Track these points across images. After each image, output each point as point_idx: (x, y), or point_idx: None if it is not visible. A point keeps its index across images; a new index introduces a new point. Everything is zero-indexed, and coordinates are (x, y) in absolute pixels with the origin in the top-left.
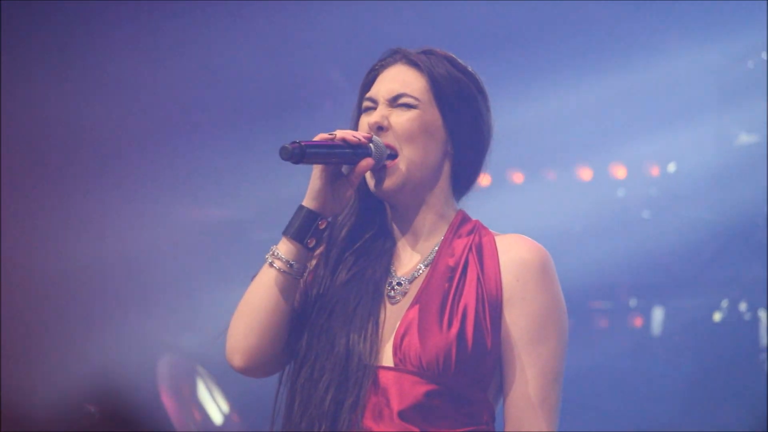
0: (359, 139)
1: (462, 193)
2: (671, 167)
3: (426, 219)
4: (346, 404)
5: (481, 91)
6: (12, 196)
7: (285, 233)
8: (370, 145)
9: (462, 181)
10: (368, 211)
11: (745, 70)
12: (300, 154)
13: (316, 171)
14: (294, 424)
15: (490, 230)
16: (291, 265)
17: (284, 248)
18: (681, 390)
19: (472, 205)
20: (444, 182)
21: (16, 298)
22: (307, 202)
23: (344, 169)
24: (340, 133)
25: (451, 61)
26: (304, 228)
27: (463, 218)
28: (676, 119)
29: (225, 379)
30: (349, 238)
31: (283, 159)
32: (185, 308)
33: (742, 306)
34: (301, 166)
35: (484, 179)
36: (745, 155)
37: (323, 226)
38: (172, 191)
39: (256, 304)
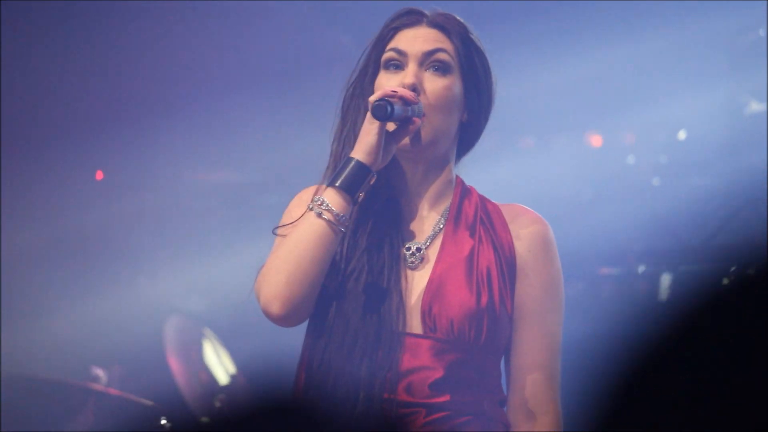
0: (415, 99)
1: (459, 159)
2: (681, 135)
3: (437, 183)
4: (380, 372)
5: (487, 59)
6: (20, 154)
7: (334, 185)
8: (420, 103)
9: (463, 147)
10: (382, 173)
11: (756, 38)
12: (391, 113)
13: (374, 126)
14: (328, 392)
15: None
16: (339, 217)
17: (333, 199)
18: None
19: (482, 169)
20: (453, 148)
21: (23, 261)
22: (360, 156)
23: (388, 125)
24: (400, 91)
25: (467, 28)
26: (356, 181)
27: (464, 184)
28: (687, 87)
29: (232, 341)
30: (366, 197)
31: (375, 116)
32: (193, 271)
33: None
34: (307, 127)
35: (493, 144)
36: (755, 123)
37: (373, 182)
38: (180, 155)
39: (302, 253)
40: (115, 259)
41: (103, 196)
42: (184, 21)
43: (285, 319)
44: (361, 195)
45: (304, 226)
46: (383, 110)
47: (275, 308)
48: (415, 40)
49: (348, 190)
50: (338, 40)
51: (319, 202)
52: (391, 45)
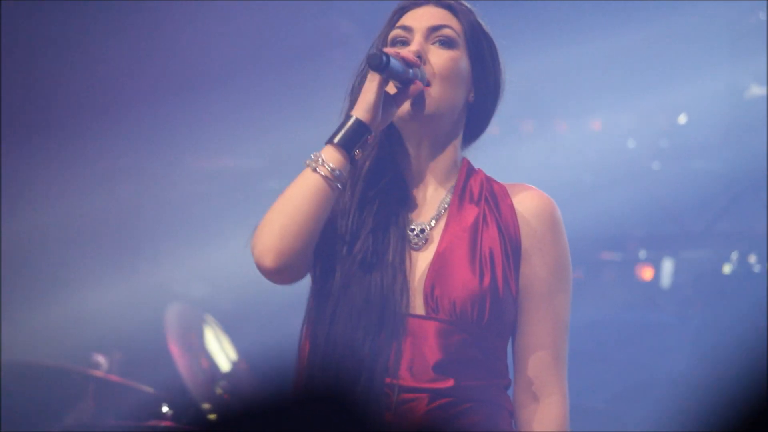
0: (416, 61)
1: (467, 144)
2: (682, 119)
3: (442, 163)
4: (383, 353)
5: (495, 44)
6: (21, 140)
7: (332, 141)
8: (422, 68)
9: (471, 131)
10: (387, 150)
11: (757, 21)
12: (387, 64)
13: (374, 84)
14: (331, 373)
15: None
16: (334, 173)
17: (330, 155)
18: (689, 342)
19: (483, 154)
20: (460, 129)
21: (24, 247)
22: (359, 113)
23: (389, 88)
24: (402, 52)
25: (475, 13)
26: (354, 138)
27: (470, 165)
28: (687, 71)
29: (233, 327)
30: (371, 173)
31: (371, 65)
32: (194, 257)
33: (752, 258)
34: (307, 111)
35: (493, 129)
36: (756, 107)
37: (370, 141)
38: (181, 140)
39: (296, 206)
40: (115, 246)
41: (104, 182)
42: (184, 7)
43: (278, 273)
44: (359, 153)
45: (299, 181)
46: (378, 59)
47: (268, 261)
48: (421, 17)
49: (345, 146)
50: (338, 24)
51: (315, 158)
52: (398, 24)
